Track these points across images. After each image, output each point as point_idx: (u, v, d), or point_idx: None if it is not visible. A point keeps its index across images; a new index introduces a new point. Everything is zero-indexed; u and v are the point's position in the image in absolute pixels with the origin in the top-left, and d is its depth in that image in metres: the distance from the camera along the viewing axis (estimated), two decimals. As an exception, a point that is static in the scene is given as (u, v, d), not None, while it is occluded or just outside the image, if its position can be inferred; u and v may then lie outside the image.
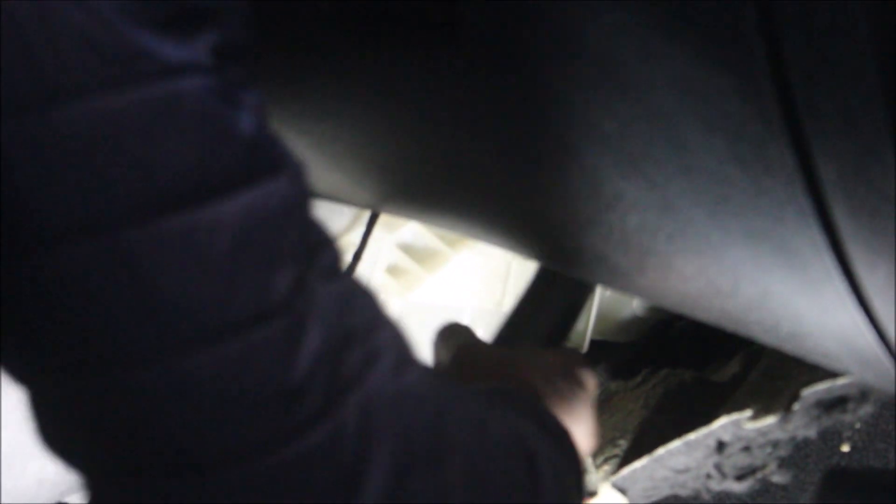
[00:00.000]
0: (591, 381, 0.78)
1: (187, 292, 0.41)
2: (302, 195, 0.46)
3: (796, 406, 1.08)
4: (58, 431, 0.46)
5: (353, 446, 0.44)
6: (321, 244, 0.48)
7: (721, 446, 1.12)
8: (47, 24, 0.39)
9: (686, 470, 1.15)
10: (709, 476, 1.15)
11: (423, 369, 0.51)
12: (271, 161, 0.44)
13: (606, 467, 1.28)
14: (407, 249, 1.46)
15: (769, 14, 0.48)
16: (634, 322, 1.51)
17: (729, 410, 1.11)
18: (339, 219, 1.45)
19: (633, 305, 1.46)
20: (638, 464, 1.19)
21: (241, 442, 0.43)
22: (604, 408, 1.42)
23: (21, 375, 0.46)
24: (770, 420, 1.07)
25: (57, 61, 0.39)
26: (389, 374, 0.48)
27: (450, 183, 0.86)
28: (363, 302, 0.49)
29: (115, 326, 0.41)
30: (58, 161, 0.39)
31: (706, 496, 1.17)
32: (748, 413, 1.08)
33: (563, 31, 0.59)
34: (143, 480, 0.43)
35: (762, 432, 1.10)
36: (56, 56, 0.39)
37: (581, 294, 1.13)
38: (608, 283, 0.82)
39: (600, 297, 1.35)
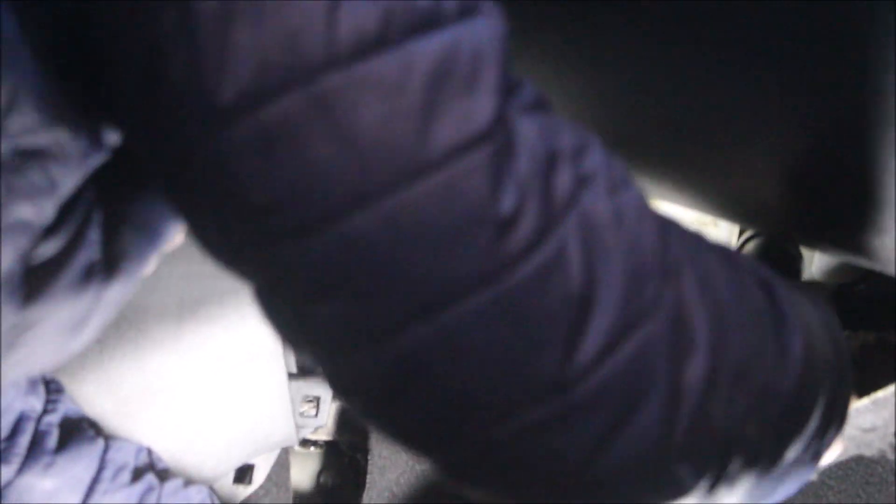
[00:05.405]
0: None
1: (384, 131, 0.40)
2: (497, 37, 0.44)
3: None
4: (284, 312, 0.46)
5: (579, 264, 0.42)
6: (520, 82, 0.46)
7: (909, 405, 1.05)
8: None
9: (873, 429, 1.08)
10: (896, 435, 1.08)
11: (639, 191, 0.48)
12: (464, 4, 0.43)
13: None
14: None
15: None
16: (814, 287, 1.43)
17: (916, 369, 1.04)
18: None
19: (812, 270, 1.39)
20: (824, 423, 1.13)
21: (463, 275, 0.41)
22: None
23: (243, 265, 0.45)
24: (958, 379, 1.00)
25: None
26: (605, 193, 0.45)
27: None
28: (569, 130, 0.46)
29: (320, 175, 0.40)
30: (248, 17, 0.39)
31: (891, 456, 1.10)
32: (936, 371, 1.01)
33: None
34: (378, 342, 0.42)
35: (949, 392, 1.03)
36: None
37: None
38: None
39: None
